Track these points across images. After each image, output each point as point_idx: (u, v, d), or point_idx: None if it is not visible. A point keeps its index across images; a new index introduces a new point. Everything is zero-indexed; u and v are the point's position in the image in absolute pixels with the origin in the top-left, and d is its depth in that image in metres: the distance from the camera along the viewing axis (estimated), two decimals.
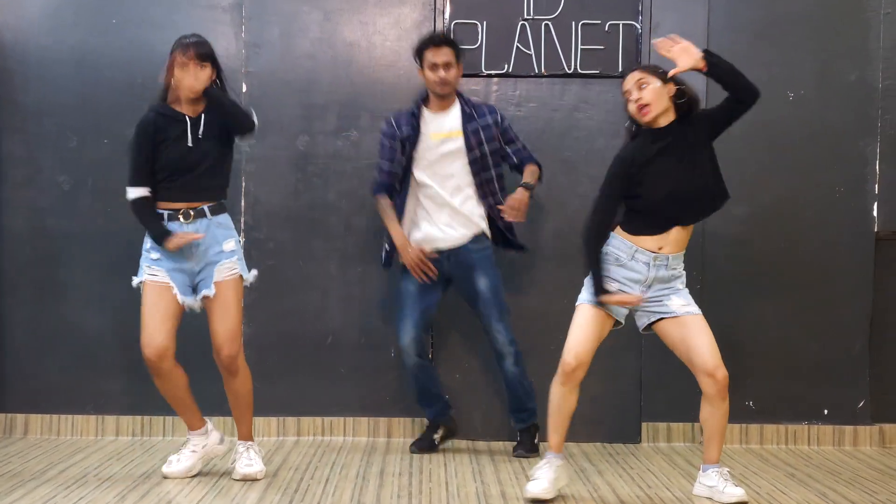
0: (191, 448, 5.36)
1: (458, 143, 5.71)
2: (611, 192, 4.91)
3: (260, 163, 6.29)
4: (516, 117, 6.19)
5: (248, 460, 5.27)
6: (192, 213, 5.14)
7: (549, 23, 6.26)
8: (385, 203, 5.78)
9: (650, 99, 4.82)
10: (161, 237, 5.06)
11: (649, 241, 4.85)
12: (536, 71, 6.24)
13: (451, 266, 5.83)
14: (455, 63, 5.68)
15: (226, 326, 5.18)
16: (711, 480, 4.93)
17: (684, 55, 4.79)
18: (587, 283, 4.95)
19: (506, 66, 6.22)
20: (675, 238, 4.89)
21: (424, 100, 5.80)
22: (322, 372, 6.33)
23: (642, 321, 5.00)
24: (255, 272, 5.32)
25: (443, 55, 5.63)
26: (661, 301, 4.90)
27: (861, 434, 6.30)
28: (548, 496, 4.82)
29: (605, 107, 6.20)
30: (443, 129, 5.72)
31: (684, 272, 4.97)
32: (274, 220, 6.27)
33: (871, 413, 6.32)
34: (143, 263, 5.19)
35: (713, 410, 4.87)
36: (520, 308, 6.24)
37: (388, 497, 4.98)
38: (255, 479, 5.19)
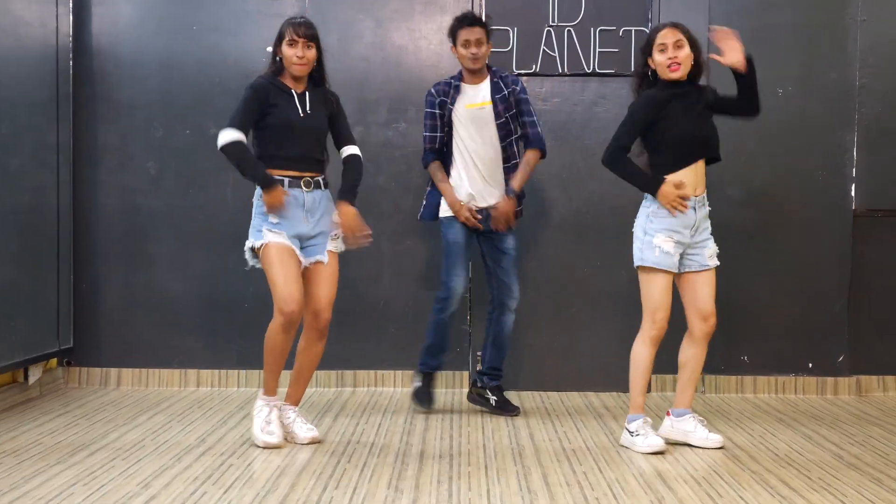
0: (276, 416, 5.00)
1: (488, 111, 5.57)
2: (633, 123, 4.89)
3: None
4: (543, 111, 6.24)
5: (305, 424, 5.01)
6: (311, 181, 4.93)
7: (571, 29, 6.32)
8: (435, 167, 5.66)
9: (682, 59, 4.80)
10: (268, 182, 4.80)
11: (688, 187, 4.82)
12: (560, 70, 6.32)
13: (483, 222, 5.63)
14: (486, 41, 5.56)
15: (330, 293, 4.97)
16: (689, 425, 4.95)
17: (733, 53, 4.80)
18: (639, 244, 4.89)
19: (534, 66, 6.31)
20: (701, 175, 4.89)
21: (461, 75, 5.67)
22: (375, 332, 6.41)
23: (681, 269, 4.91)
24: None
25: (475, 33, 5.51)
26: (701, 250, 4.89)
27: (841, 384, 6.36)
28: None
29: (620, 101, 6.18)
30: (475, 100, 5.60)
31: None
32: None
33: (849, 366, 6.37)
34: (263, 227, 4.84)
35: (695, 352, 4.95)
36: (543, 276, 6.34)
37: (432, 439, 5.06)
38: (319, 441, 4.95)
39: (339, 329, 6.27)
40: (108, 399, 6.00)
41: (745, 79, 4.84)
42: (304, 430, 4.99)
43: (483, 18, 5.70)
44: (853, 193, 6.36)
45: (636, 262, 4.93)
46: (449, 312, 5.69)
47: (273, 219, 4.84)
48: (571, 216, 6.38)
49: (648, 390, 6.32)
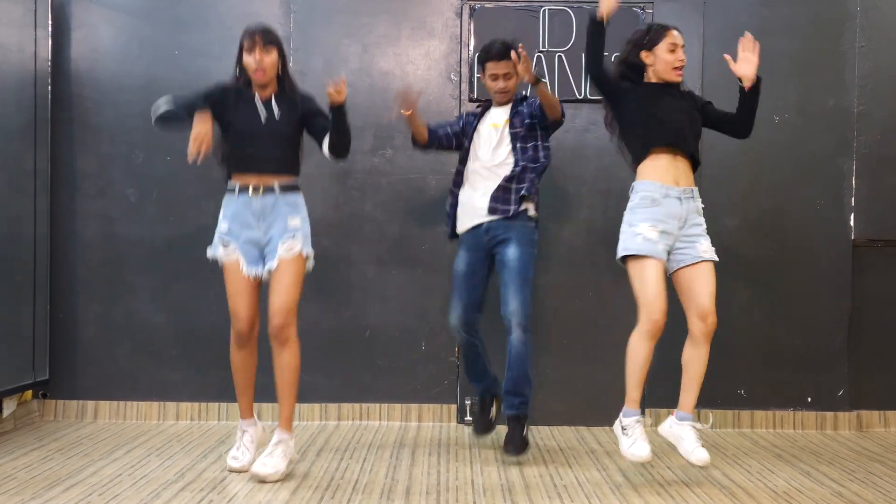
0: (249, 438, 5.02)
1: (505, 127, 5.41)
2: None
3: (306, 178, 5.99)
4: None
5: (268, 458, 4.77)
6: (261, 188, 4.84)
7: (562, 54, 6.25)
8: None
9: (685, 63, 4.89)
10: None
11: (668, 176, 4.75)
12: None
13: (489, 240, 5.38)
14: (514, 73, 5.37)
15: (280, 300, 4.77)
16: (683, 432, 4.76)
17: (747, 65, 4.82)
18: (622, 237, 4.80)
19: (524, 92, 6.01)
20: (683, 169, 4.81)
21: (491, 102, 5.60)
22: (360, 363, 6.28)
23: (673, 265, 4.80)
24: (311, 252, 4.95)
25: (502, 67, 5.38)
26: (693, 244, 4.77)
27: (841, 419, 6.25)
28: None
29: None
30: (497, 120, 5.45)
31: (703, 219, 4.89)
32: (318, 229, 5.90)
33: (849, 400, 6.27)
34: (216, 236, 4.90)
35: (695, 352, 4.76)
36: (533, 308, 6.01)
37: (419, 475, 4.94)
38: (264, 481, 4.71)
39: (323, 361, 6.22)
40: (84, 432, 5.87)
41: (748, 98, 4.82)
42: (259, 463, 4.77)
43: (510, 47, 5.38)
44: (852, 223, 6.27)
45: (619, 254, 4.81)
46: (461, 342, 5.55)
47: (223, 226, 4.89)
48: (562, 247, 6.27)
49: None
